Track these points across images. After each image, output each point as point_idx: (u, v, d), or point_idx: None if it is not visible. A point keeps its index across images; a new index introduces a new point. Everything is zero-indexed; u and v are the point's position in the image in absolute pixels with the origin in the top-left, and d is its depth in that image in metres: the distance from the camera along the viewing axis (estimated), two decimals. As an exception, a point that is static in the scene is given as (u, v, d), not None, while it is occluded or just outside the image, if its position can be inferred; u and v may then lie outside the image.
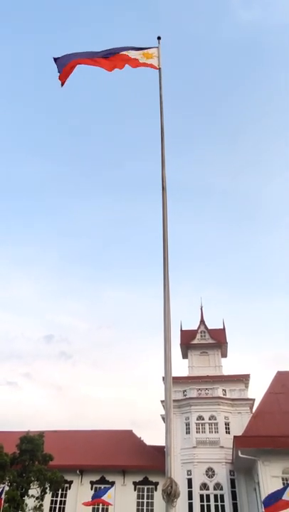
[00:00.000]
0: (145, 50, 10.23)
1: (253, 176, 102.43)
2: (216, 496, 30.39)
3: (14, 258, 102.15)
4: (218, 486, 30.73)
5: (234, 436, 28.79)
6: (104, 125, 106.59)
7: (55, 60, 9.43)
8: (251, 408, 34.06)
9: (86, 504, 27.43)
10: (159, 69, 10.01)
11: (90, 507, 30.86)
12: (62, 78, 9.33)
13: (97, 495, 25.61)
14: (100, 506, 30.67)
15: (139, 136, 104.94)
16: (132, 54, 10.02)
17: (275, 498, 19.51)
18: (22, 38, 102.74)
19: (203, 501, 30.30)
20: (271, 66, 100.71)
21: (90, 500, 26.27)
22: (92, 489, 33.27)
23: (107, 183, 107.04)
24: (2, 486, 25.75)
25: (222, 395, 34.19)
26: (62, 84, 9.37)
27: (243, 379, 35.69)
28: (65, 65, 9.35)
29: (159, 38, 10.59)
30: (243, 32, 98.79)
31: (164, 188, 8.39)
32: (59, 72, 9.31)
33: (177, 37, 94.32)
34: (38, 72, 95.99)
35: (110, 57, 9.75)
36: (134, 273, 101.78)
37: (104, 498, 24.61)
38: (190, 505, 30.26)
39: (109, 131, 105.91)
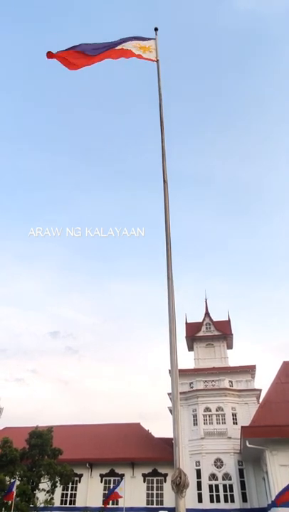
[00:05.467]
0: (142, 43, 10.00)
1: (255, 165, 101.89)
2: (224, 486, 30.63)
3: (18, 253, 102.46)
4: (226, 476, 30.96)
5: (242, 427, 28.93)
6: (104, 117, 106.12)
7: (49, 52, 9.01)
8: (258, 398, 34.17)
9: (105, 504, 27.04)
10: (157, 61, 9.87)
11: (100, 500, 31.24)
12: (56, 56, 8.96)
13: (111, 491, 25.29)
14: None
15: (140, 127, 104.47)
16: (128, 46, 9.79)
17: (285, 490, 19.91)
18: (20, 28, 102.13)
19: (212, 491, 30.57)
20: (271, 54, 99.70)
21: (103, 496, 25.29)
22: (101, 482, 33.65)
23: (108, 176, 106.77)
24: (13, 480, 26.05)
25: (229, 387, 34.32)
26: (48, 57, 8.93)
27: (249, 370, 35.76)
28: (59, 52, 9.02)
29: (156, 29, 10.40)
30: (241, 20, 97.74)
31: (165, 181, 8.38)
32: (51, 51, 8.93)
33: (175, 25, 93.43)
34: (35, 66, 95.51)
35: (105, 52, 9.46)
36: (138, 266, 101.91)
37: (117, 491, 24.66)
38: (199, 496, 30.53)
39: (110, 124, 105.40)
